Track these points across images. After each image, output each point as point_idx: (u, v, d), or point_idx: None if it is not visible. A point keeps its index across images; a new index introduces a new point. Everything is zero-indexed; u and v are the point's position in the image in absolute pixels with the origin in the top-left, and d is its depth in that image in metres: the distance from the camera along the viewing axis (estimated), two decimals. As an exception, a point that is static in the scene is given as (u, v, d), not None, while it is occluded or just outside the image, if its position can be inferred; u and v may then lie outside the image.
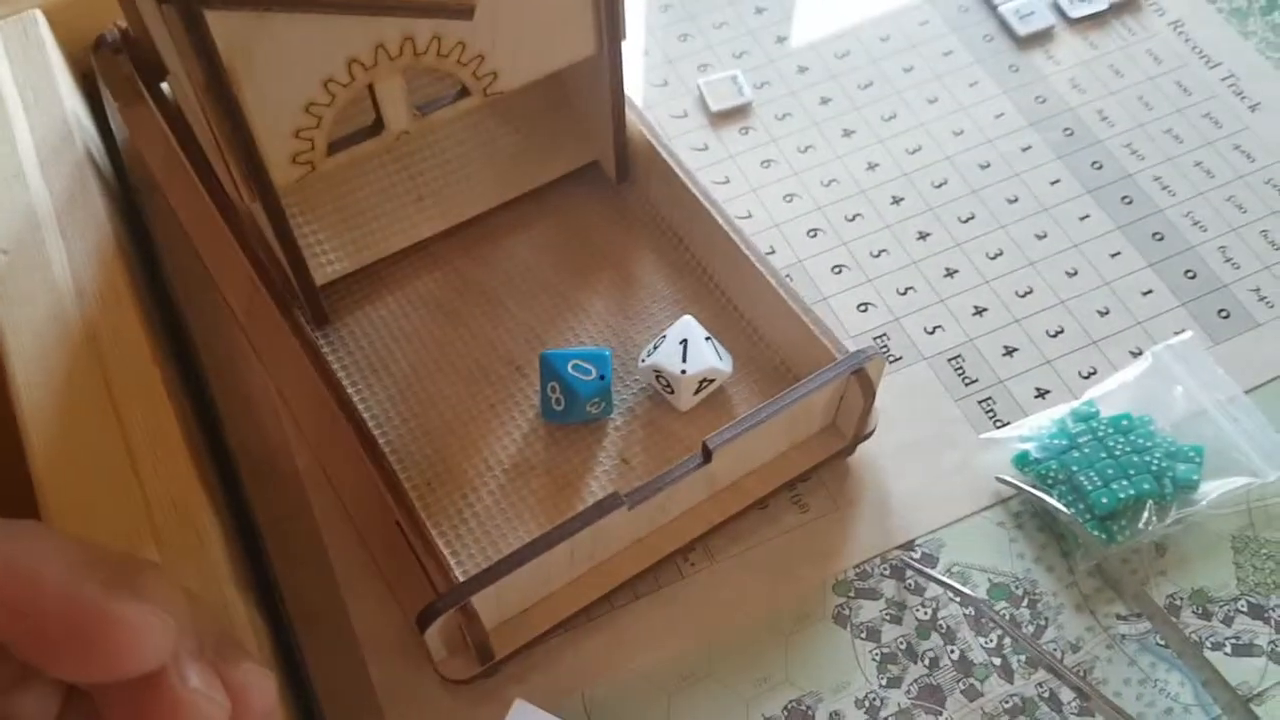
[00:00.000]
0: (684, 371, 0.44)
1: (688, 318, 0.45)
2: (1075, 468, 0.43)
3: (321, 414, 0.44)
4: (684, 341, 0.44)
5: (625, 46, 0.44)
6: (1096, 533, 0.43)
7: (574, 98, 0.50)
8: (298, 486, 0.46)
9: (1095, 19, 0.59)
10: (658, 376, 0.44)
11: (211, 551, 0.40)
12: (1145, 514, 0.43)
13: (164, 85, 0.49)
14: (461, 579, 0.39)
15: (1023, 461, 0.45)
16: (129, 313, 0.46)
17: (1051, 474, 0.44)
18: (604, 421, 0.45)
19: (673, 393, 0.45)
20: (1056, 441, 0.44)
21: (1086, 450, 0.44)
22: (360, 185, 0.48)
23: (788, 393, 0.41)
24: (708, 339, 0.44)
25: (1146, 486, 0.43)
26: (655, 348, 0.45)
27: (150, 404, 0.43)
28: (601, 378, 0.43)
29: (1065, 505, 0.43)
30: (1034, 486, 0.44)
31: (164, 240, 0.52)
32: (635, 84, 0.55)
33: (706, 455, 0.41)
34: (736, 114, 0.56)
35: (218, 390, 0.49)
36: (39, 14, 0.54)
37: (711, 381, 0.45)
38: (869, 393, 0.43)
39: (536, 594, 0.41)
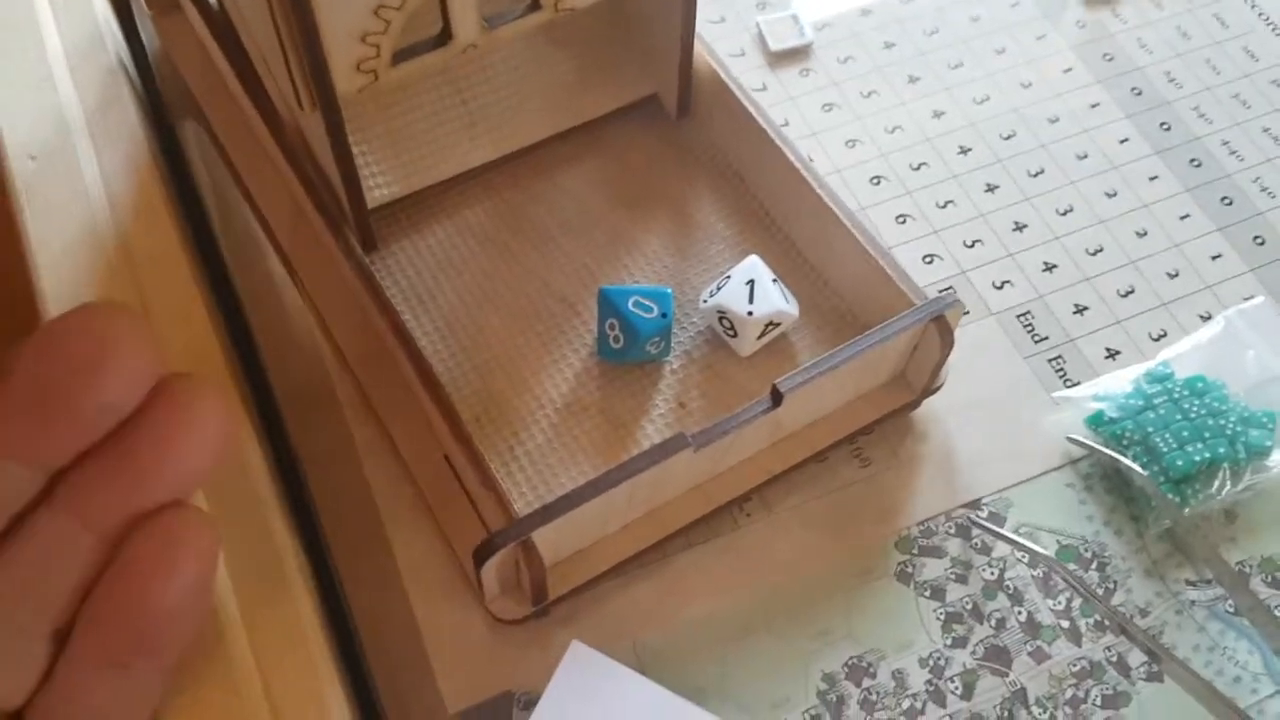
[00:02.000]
0: (750, 313, 0.42)
1: (754, 258, 0.43)
2: (1151, 429, 0.42)
3: (369, 343, 0.42)
4: (750, 282, 0.42)
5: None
6: (1171, 495, 0.41)
7: (637, 26, 0.47)
8: (339, 418, 0.44)
9: (1164, -23, 0.58)
10: (721, 318, 0.43)
11: (254, 481, 0.38)
12: (1219, 478, 0.42)
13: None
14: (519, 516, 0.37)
15: (1097, 421, 0.43)
16: (167, 230, 0.43)
17: (1126, 435, 0.43)
18: (660, 364, 0.44)
19: (735, 336, 0.43)
20: (1132, 402, 0.43)
21: (1162, 412, 0.42)
22: (413, 108, 0.46)
23: (864, 337, 0.40)
24: (775, 280, 0.43)
25: (1222, 450, 0.41)
26: (719, 288, 0.43)
27: (191, 329, 0.41)
28: (664, 315, 0.41)
29: (1140, 467, 0.42)
30: (1107, 447, 0.43)
31: (198, 161, 0.50)
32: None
33: (776, 399, 0.39)
34: (796, 55, 0.54)
35: (255, 318, 0.46)
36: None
37: (777, 325, 0.43)
38: (948, 342, 0.41)
39: (592, 535, 0.40)
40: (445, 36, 0.39)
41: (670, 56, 0.46)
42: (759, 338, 0.43)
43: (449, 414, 0.39)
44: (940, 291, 0.48)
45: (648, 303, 0.41)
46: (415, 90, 0.46)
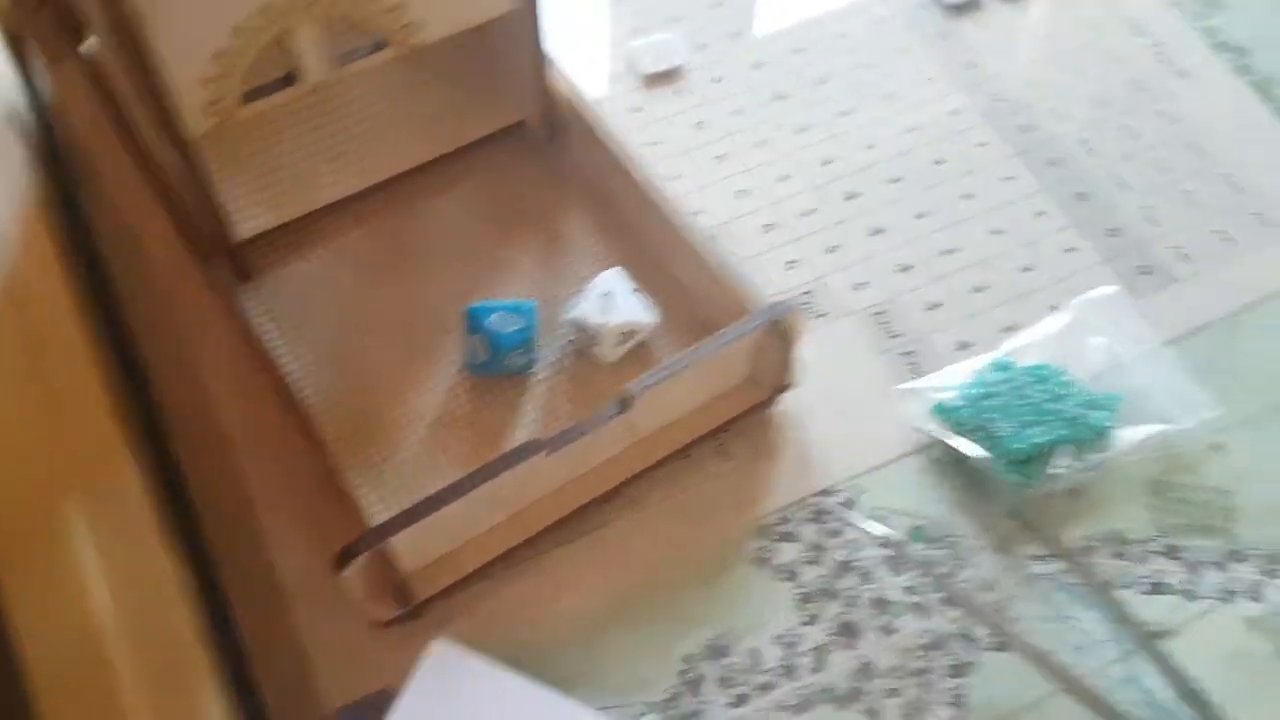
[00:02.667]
0: (606, 323, 0.44)
1: (615, 270, 0.45)
2: (990, 415, 0.44)
3: (243, 368, 0.44)
4: (608, 294, 0.45)
5: (550, 4, 0.45)
6: (1011, 477, 0.43)
7: (499, 56, 0.50)
8: (223, 442, 0.46)
9: (1024, -13, 0.60)
10: (581, 329, 0.45)
11: (133, 503, 0.41)
12: (1059, 459, 0.44)
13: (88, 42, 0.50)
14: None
15: (940, 410, 0.45)
16: (52, 272, 0.46)
17: (967, 421, 0.45)
18: (529, 376, 0.46)
19: (597, 345, 0.45)
20: (973, 391, 0.45)
21: (1002, 399, 0.44)
22: (284, 141, 0.48)
23: (703, 344, 0.42)
24: (635, 291, 0.45)
25: (1061, 433, 0.44)
26: (577, 301, 0.45)
27: (72, 359, 0.43)
28: (525, 328, 0.44)
29: (980, 451, 0.44)
30: (951, 434, 0.45)
31: (90, 200, 0.52)
32: (568, 44, 0.55)
33: (625, 403, 0.41)
34: (670, 77, 0.57)
35: (145, 348, 0.49)
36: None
37: (635, 334, 0.45)
38: (786, 346, 0.43)
39: (458, 538, 0.42)
40: (292, 76, 0.41)
41: (531, 85, 0.49)
42: (618, 345, 0.45)
43: (312, 436, 0.41)
44: (801, 295, 0.50)
45: (510, 316, 0.43)
46: (285, 123, 0.49)
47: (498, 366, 0.44)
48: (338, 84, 0.44)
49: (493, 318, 0.44)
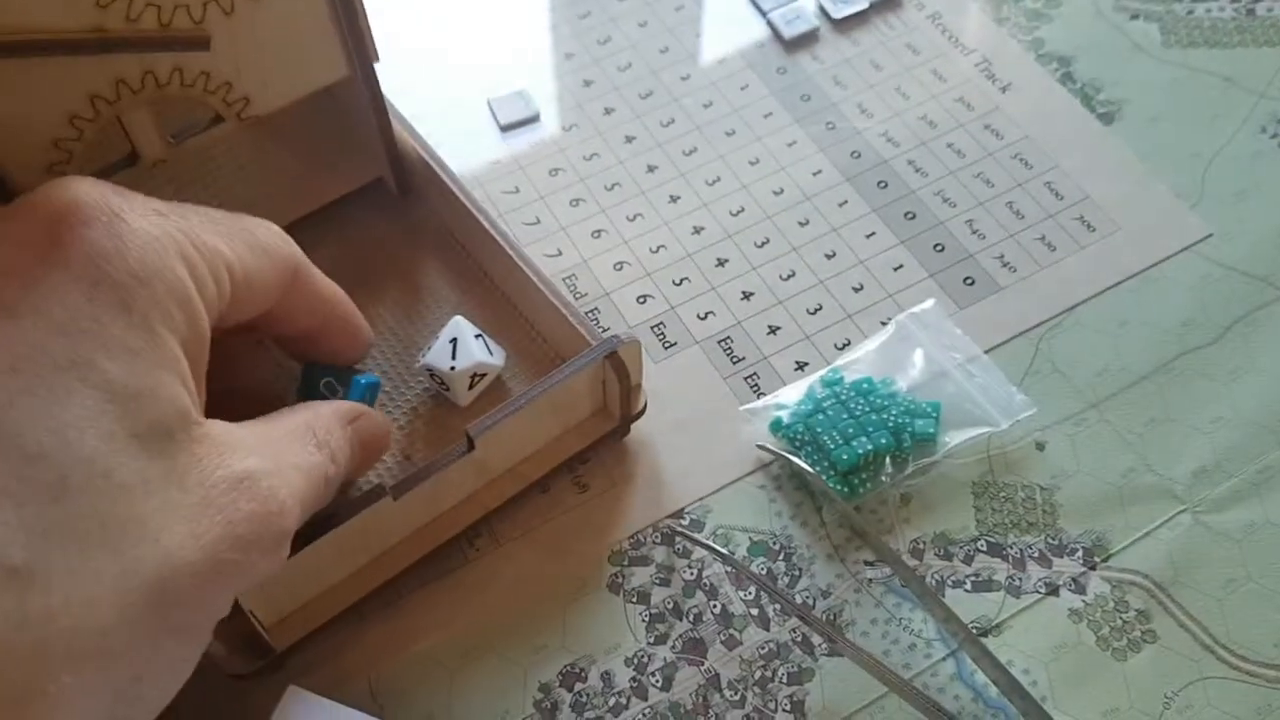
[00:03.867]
0: (453, 368, 0.46)
1: (458, 318, 0.48)
2: (819, 429, 0.47)
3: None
4: (454, 340, 0.47)
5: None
6: (839, 487, 0.46)
7: (347, 117, 0.52)
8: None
9: (858, 17, 0.63)
10: (431, 375, 0.47)
11: None
12: (885, 467, 0.47)
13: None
14: (236, 575, 0.41)
15: (776, 427, 0.48)
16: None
17: (799, 436, 0.47)
18: (391, 425, 0.48)
19: (449, 389, 0.47)
20: (804, 407, 0.48)
21: (830, 413, 0.47)
22: (144, 216, 0.50)
23: (544, 380, 0.44)
24: (478, 336, 0.47)
25: (884, 441, 0.46)
26: (428, 349, 0.47)
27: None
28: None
29: (812, 464, 0.47)
30: (787, 450, 0.47)
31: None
32: (424, 98, 0.58)
33: (470, 444, 0.43)
34: (524, 125, 0.59)
35: None
36: None
37: (484, 376, 0.47)
38: (624, 375, 0.46)
39: (314, 587, 0.44)
40: (134, 156, 0.43)
41: (379, 144, 0.51)
42: (470, 388, 0.47)
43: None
44: (652, 328, 0.53)
45: (337, 385, 0.45)
46: (144, 191, 0.50)
47: None
48: (186, 157, 0.46)
49: (323, 381, 0.45)
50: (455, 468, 0.44)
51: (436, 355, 0.47)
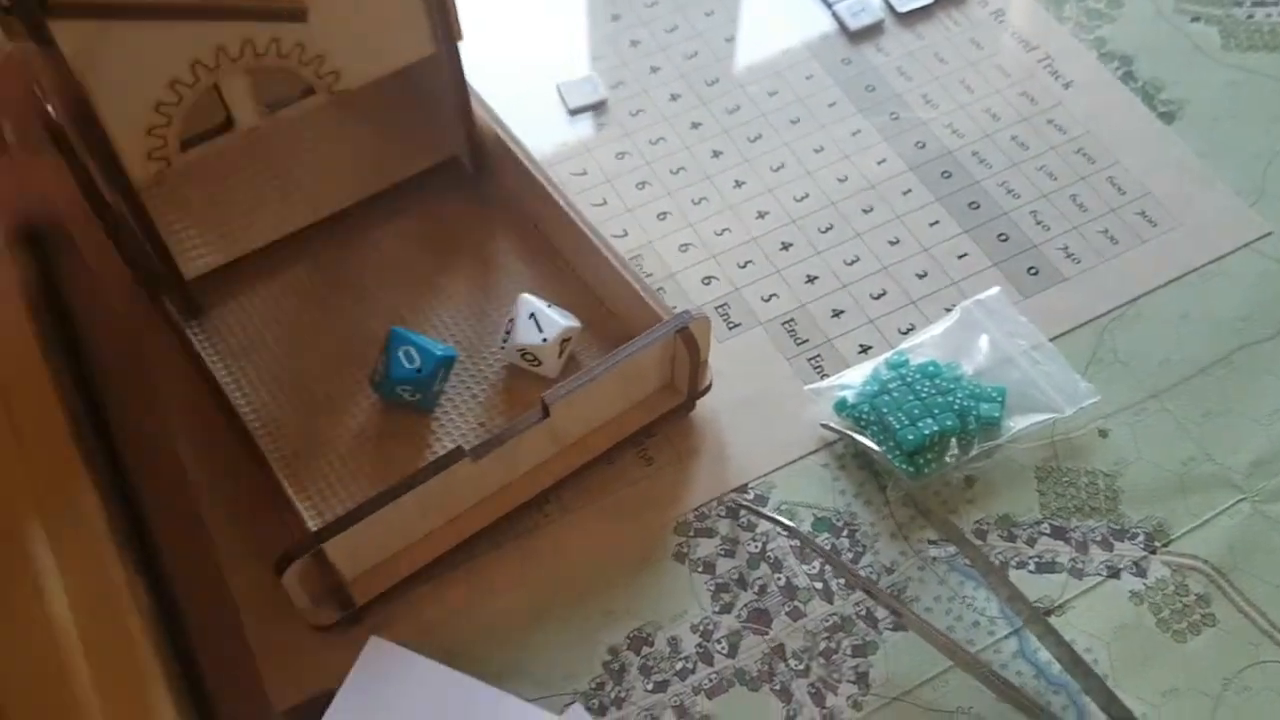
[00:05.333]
0: (545, 340, 0.47)
1: (525, 295, 0.49)
2: (885, 409, 0.48)
3: (194, 394, 0.48)
4: (532, 315, 0.48)
5: (476, 46, 0.48)
6: (905, 467, 0.47)
7: (428, 96, 0.54)
8: (179, 467, 0.49)
9: (922, 12, 0.64)
10: (523, 354, 0.48)
11: (94, 526, 0.44)
12: (950, 449, 0.47)
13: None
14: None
15: (841, 407, 0.49)
16: (16, 308, 0.49)
17: (865, 416, 0.48)
18: (466, 394, 0.49)
19: (540, 364, 0.48)
20: (869, 388, 0.49)
21: (895, 394, 0.48)
22: (228, 184, 0.52)
23: (618, 351, 0.45)
24: (550, 306, 0.48)
25: (949, 423, 0.47)
26: (509, 333, 0.48)
27: (36, 392, 0.47)
28: (418, 371, 0.46)
29: (877, 444, 0.47)
30: (852, 429, 0.48)
31: (53, 245, 0.56)
32: (497, 81, 0.59)
33: (545, 410, 0.44)
34: (593, 110, 0.61)
35: (103, 380, 0.52)
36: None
37: (570, 341, 0.49)
38: (694, 351, 0.47)
39: (394, 544, 0.45)
40: (229, 123, 0.45)
41: (459, 125, 0.52)
42: (559, 356, 0.48)
43: (255, 454, 0.44)
44: (716, 308, 0.54)
45: (414, 354, 0.46)
46: (229, 167, 0.52)
47: (388, 392, 0.47)
48: (274, 129, 0.47)
49: (403, 349, 0.46)
50: (530, 433, 0.45)
51: (524, 333, 0.48)
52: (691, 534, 0.47)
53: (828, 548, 0.46)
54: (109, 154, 0.41)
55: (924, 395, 0.48)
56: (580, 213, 0.50)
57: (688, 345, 0.46)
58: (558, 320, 0.48)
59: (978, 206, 0.56)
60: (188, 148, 0.44)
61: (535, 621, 0.45)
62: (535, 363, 0.48)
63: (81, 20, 0.38)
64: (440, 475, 0.43)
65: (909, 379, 0.48)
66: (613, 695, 0.44)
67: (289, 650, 0.45)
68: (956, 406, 0.48)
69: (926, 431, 0.47)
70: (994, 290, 0.53)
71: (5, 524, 0.43)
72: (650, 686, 0.44)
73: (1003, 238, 0.55)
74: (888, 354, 0.50)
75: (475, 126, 0.52)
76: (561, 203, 0.51)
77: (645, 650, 0.45)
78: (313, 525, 0.44)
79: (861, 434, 0.48)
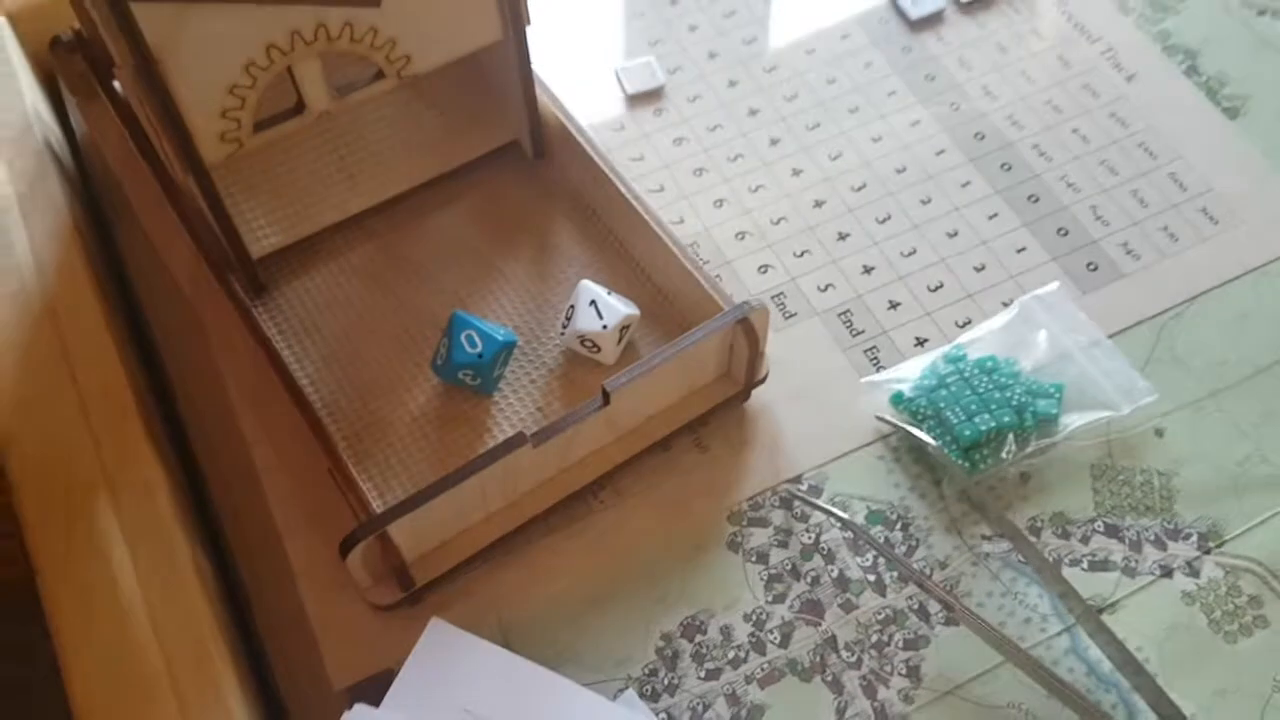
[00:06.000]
0: (605, 327, 0.48)
1: (585, 282, 0.49)
2: (942, 404, 0.48)
3: (258, 374, 0.49)
4: (593, 303, 0.49)
5: (536, 31, 0.49)
6: (961, 461, 0.47)
7: (491, 80, 0.54)
8: (241, 444, 0.50)
9: (984, 1, 0.64)
10: (583, 341, 0.49)
11: (159, 498, 0.45)
12: (1007, 444, 0.48)
13: (116, 81, 0.54)
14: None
15: (898, 400, 0.49)
16: (85, 288, 0.50)
17: (921, 410, 0.48)
18: (525, 379, 0.50)
19: (599, 350, 0.49)
20: (927, 381, 0.49)
21: (953, 388, 0.48)
22: (294, 166, 0.53)
23: (679, 340, 0.46)
24: (609, 292, 0.49)
25: (1007, 419, 0.47)
26: (569, 319, 0.49)
27: (104, 368, 0.48)
28: (480, 356, 0.46)
29: (934, 438, 0.47)
30: (908, 423, 0.48)
31: (120, 226, 0.57)
32: (556, 67, 0.59)
33: (605, 398, 0.45)
34: (650, 96, 0.61)
35: (168, 359, 0.53)
36: (1, 18, 0.58)
37: (629, 328, 0.49)
38: (754, 341, 0.47)
39: (454, 527, 0.46)
40: (300, 107, 0.45)
41: (521, 108, 0.53)
42: (619, 343, 0.49)
43: (319, 431, 0.45)
44: (772, 298, 0.54)
45: (477, 339, 0.47)
46: (296, 149, 0.53)
47: (449, 376, 0.48)
48: (342, 113, 0.48)
49: (465, 333, 0.47)
50: (590, 421, 0.45)
51: (584, 321, 0.48)
52: (745, 523, 0.48)
53: (881, 540, 0.47)
54: (183, 135, 0.42)
55: (981, 390, 0.48)
56: (641, 199, 0.50)
57: (747, 335, 0.46)
58: (618, 307, 0.48)
59: (1037, 200, 0.56)
60: (260, 130, 0.44)
61: (589, 607, 0.46)
62: (594, 349, 0.49)
63: (161, 2, 0.38)
64: (501, 461, 0.43)
65: (966, 373, 0.49)
66: (665, 682, 0.44)
67: (346, 629, 0.46)
68: (1014, 402, 0.48)
69: (983, 427, 0.47)
70: (1053, 285, 0.52)
71: (74, 498, 0.44)
72: (703, 674, 0.44)
73: (1062, 232, 0.55)
74: (945, 347, 0.50)
75: (538, 111, 0.53)
76: (622, 189, 0.51)
77: (698, 638, 0.45)
78: (374, 506, 0.45)
79: (918, 428, 0.48)
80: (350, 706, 0.41)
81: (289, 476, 0.48)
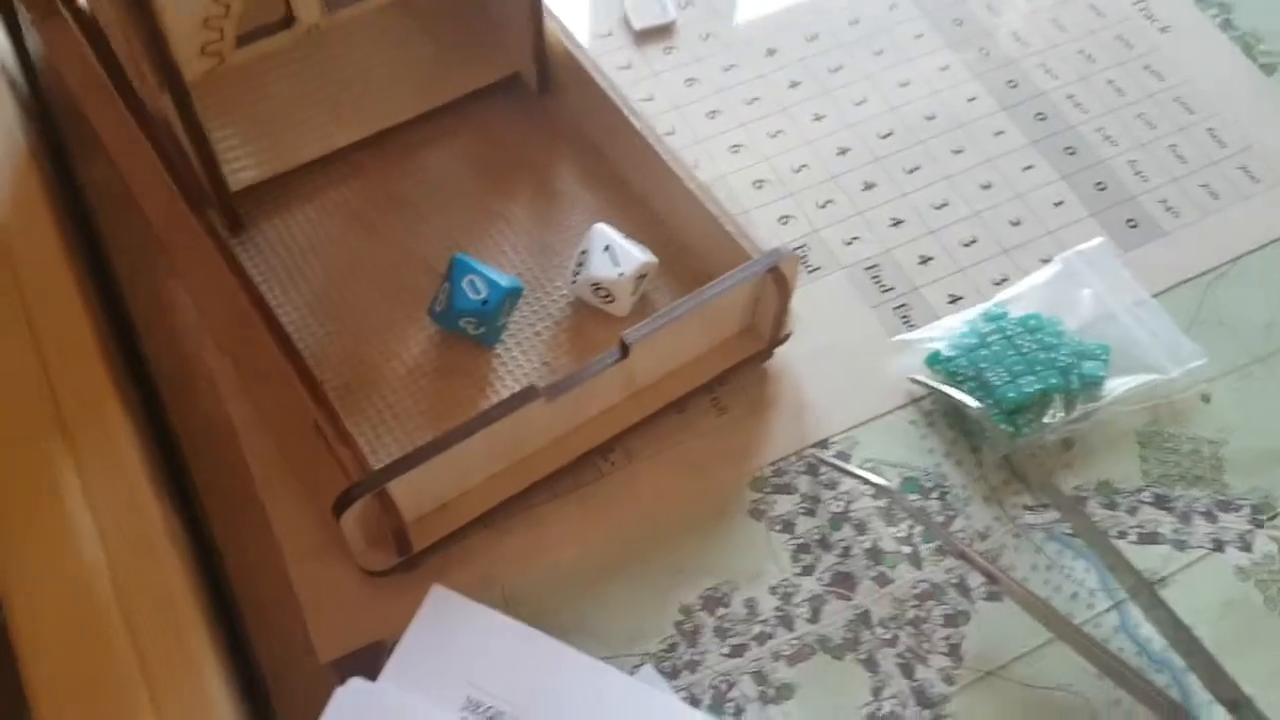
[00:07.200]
0: (621, 274, 0.44)
1: (599, 225, 0.45)
2: (984, 364, 0.44)
3: (237, 318, 0.44)
4: (607, 248, 0.45)
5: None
6: (1004, 426, 0.44)
7: (492, 7, 0.50)
8: (214, 393, 0.45)
9: (1013, -55, 0.60)
10: (596, 289, 0.44)
11: (123, 450, 0.40)
12: (1052, 408, 0.44)
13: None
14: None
15: (934, 360, 0.46)
16: (43, 222, 0.45)
17: (961, 371, 0.45)
18: (529, 331, 0.46)
19: (613, 300, 0.45)
20: (966, 340, 0.45)
21: (995, 348, 0.45)
22: (276, 92, 0.48)
23: (705, 289, 0.42)
24: (626, 237, 0.45)
25: (1053, 381, 0.44)
26: (581, 265, 0.44)
27: (62, 308, 0.43)
28: (484, 303, 0.42)
29: (974, 400, 0.44)
30: (944, 384, 0.45)
31: (80, 155, 0.52)
32: (561, 1, 0.55)
33: (624, 350, 0.41)
34: (660, 33, 0.57)
35: (133, 301, 0.48)
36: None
37: (645, 277, 0.45)
38: (784, 292, 0.43)
39: (456, 487, 0.42)
40: (288, 19, 0.41)
41: (526, 36, 0.48)
42: (634, 293, 0.45)
43: (308, 380, 0.41)
44: (794, 250, 0.50)
45: (481, 286, 0.43)
46: (278, 74, 0.48)
47: (449, 323, 0.44)
48: (331, 34, 0.43)
49: (468, 278, 0.43)
50: (605, 375, 0.41)
51: (598, 266, 0.44)
52: (768, 490, 0.44)
53: (916, 509, 0.43)
54: (162, 46, 0.37)
55: (1026, 351, 0.45)
56: (660, 138, 0.46)
57: (778, 286, 0.43)
58: (635, 254, 0.44)
59: (1074, 152, 0.53)
60: (243, 44, 0.40)
61: (600, 576, 0.42)
62: (608, 298, 0.45)
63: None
64: (510, 415, 0.39)
65: (1009, 332, 0.45)
66: (685, 658, 0.41)
67: (333, 597, 0.41)
68: (1060, 364, 0.44)
69: (1029, 390, 0.44)
70: (1096, 241, 0.49)
71: (28, 451, 0.40)
72: (726, 650, 0.41)
73: (1100, 186, 0.52)
74: (985, 305, 0.47)
75: (544, 43, 0.48)
76: (638, 125, 0.47)
77: (720, 611, 0.41)
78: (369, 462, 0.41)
79: (957, 389, 0.44)
80: (341, 681, 0.37)
81: (270, 431, 0.44)
